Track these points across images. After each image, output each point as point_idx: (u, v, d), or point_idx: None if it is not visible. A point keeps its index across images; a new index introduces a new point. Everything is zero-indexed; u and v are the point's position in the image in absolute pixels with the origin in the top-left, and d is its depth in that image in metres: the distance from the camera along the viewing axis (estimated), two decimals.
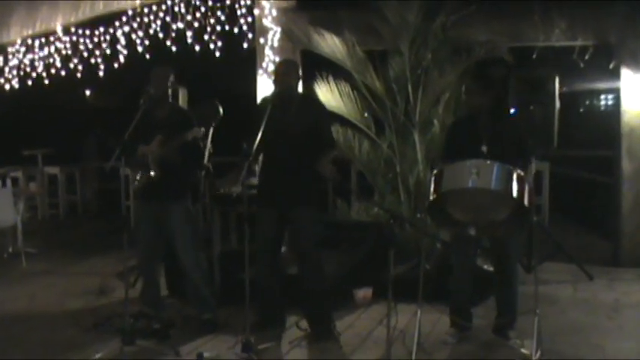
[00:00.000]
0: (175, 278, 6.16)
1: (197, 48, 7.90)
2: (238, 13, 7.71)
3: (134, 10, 8.21)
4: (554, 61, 7.70)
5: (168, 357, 4.93)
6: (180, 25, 7.95)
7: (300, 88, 5.53)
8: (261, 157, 5.40)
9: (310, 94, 6.99)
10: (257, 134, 4.82)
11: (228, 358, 4.88)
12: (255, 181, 5.71)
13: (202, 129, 5.32)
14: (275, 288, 5.40)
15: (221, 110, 6.57)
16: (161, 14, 8.05)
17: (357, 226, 7.08)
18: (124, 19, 8.25)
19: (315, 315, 5.35)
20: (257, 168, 5.63)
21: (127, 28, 8.29)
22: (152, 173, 5.22)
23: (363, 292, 6.25)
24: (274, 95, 5.18)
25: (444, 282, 5.32)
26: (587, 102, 17.84)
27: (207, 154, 6.67)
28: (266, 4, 7.67)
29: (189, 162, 5.38)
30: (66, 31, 8.69)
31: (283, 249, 6.05)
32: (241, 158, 4.92)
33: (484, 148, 4.85)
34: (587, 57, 7.21)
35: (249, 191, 5.39)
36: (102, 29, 8.49)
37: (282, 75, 5.22)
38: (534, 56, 7.31)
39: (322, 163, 4.94)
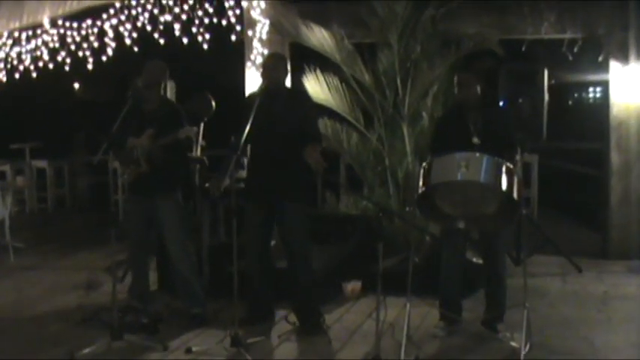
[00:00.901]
0: (166, 272, 6.12)
1: (185, 40, 7.84)
2: (226, 5, 7.64)
3: (122, 2, 8.13)
4: (543, 54, 7.70)
5: (156, 351, 4.90)
6: (168, 17, 7.88)
7: (288, 82, 5.49)
8: (249, 152, 5.36)
9: (298, 87, 6.96)
10: (245, 128, 4.79)
11: (217, 352, 4.85)
12: (243, 174, 5.68)
13: (195, 128, 5.29)
14: (264, 282, 5.39)
15: (214, 104, 6.53)
16: (149, 6, 7.97)
17: (346, 219, 7.04)
18: (112, 11, 8.17)
19: (304, 309, 5.33)
20: (245, 161, 5.61)
21: (114, 21, 8.21)
22: (141, 167, 5.19)
23: (352, 286, 6.23)
24: (262, 89, 5.15)
25: (433, 275, 5.31)
26: (576, 94, 17.90)
27: (199, 148, 6.64)
28: None
29: (177, 159, 5.34)
30: (53, 23, 8.60)
31: (273, 242, 6.03)
32: (229, 151, 4.90)
33: (475, 140, 4.84)
34: (575, 50, 7.20)
35: (238, 184, 5.36)
36: (89, 22, 8.40)
37: (270, 69, 5.20)
38: (523, 49, 7.30)
39: (308, 152, 4.89)
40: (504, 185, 4.44)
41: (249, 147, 5.27)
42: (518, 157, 5.07)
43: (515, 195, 4.48)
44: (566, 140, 11.57)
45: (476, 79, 4.99)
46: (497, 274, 5.10)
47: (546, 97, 6.93)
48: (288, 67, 5.44)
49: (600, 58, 7.39)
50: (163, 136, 5.11)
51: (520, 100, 6.97)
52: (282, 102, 5.15)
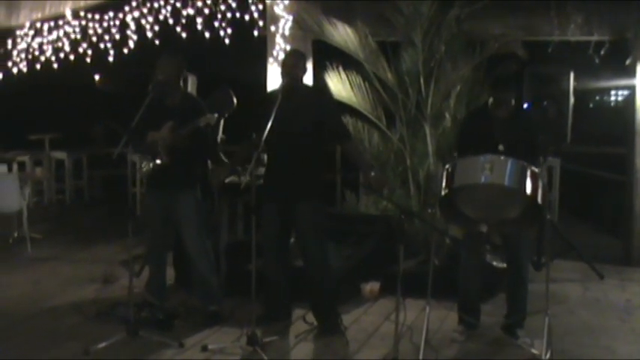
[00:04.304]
0: (183, 268, 6.10)
1: (207, 35, 7.81)
2: (249, 0, 7.62)
3: None
4: (567, 57, 7.60)
5: (172, 348, 4.87)
6: (191, 11, 7.87)
7: (307, 80, 5.44)
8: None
9: (318, 85, 6.91)
10: (265, 125, 4.75)
11: (233, 350, 4.82)
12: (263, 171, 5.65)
13: (215, 115, 5.24)
14: (281, 280, 5.35)
15: (235, 100, 6.48)
16: (171, 0, 7.97)
17: (366, 219, 7.00)
18: (134, 4, 8.17)
19: (321, 308, 5.29)
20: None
21: (136, 14, 8.21)
22: (161, 160, 5.16)
23: (370, 286, 6.18)
24: (282, 87, 5.10)
25: (453, 278, 5.25)
26: (597, 97, 17.73)
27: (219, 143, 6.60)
28: None
29: (200, 150, 5.32)
30: (75, 15, 8.61)
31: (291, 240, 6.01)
32: (248, 146, 4.87)
33: (501, 147, 4.75)
34: (602, 53, 7.09)
35: (258, 181, 5.33)
36: (111, 14, 8.41)
37: (290, 66, 5.15)
38: (549, 51, 7.20)
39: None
40: (529, 189, 4.38)
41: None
42: (542, 161, 4.98)
43: (539, 200, 4.41)
44: (588, 144, 11.45)
45: (513, 95, 4.91)
46: (519, 278, 5.02)
47: (572, 100, 6.84)
48: (307, 65, 5.39)
49: (628, 62, 7.28)
50: (183, 127, 5.08)
51: (545, 103, 6.90)
52: (300, 100, 5.11)
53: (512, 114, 4.95)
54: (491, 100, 5.00)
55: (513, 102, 4.95)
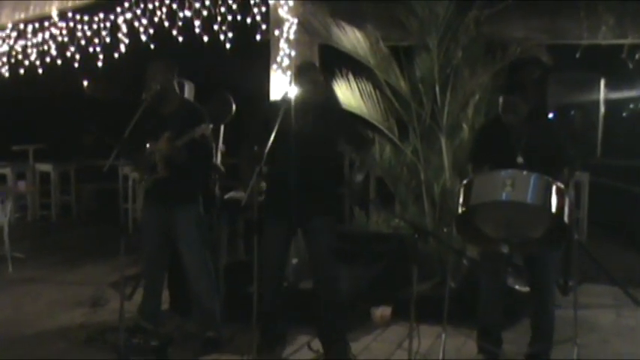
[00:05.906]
0: (179, 290, 6.12)
1: (206, 39, 7.87)
2: (251, 1, 7.67)
3: None
4: (598, 62, 7.61)
5: None
6: (188, 13, 7.92)
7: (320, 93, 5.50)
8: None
9: (329, 97, 6.95)
10: (269, 137, 4.78)
11: None
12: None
13: (211, 125, 5.29)
14: (278, 303, 5.35)
15: (234, 106, 6.53)
16: (167, 1, 8.03)
17: (376, 238, 7.03)
18: (127, 5, 8.23)
19: (329, 335, 5.30)
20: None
21: (129, 15, 8.27)
22: (159, 173, 5.21)
23: (381, 311, 6.21)
24: (289, 98, 5.13)
25: (471, 302, 5.27)
26: (632, 106, 17.74)
27: (219, 153, 6.65)
28: None
29: (197, 162, 5.36)
30: (62, 16, 8.68)
31: (295, 261, 6.05)
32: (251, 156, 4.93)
33: (520, 160, 4.79)
34: (637, 57, 7.09)
35: (260, 197, 5.36)
36: (102, 15, 8.48)
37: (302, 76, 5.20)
38: (577, 56, 7.21)
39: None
40: (554, 207, 4.40)
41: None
42: (568, 176, 5.01)
43: (565, 218, 4.44)
44: (620, 157, 11.46)
45: (524, 102, 4.91)
46: (544, 303, 5.03)
47: (602, 109, 6.86)
48: (322, 77, 5.44)
49: None
50: (180, 137, 5.13)
51: (572, 113, 6.92)
52: (312, 112, 5.15)
53: (530, 122, 4.96)
54: (501, 102, 5.04)
55: (526, 108, 4.95)
